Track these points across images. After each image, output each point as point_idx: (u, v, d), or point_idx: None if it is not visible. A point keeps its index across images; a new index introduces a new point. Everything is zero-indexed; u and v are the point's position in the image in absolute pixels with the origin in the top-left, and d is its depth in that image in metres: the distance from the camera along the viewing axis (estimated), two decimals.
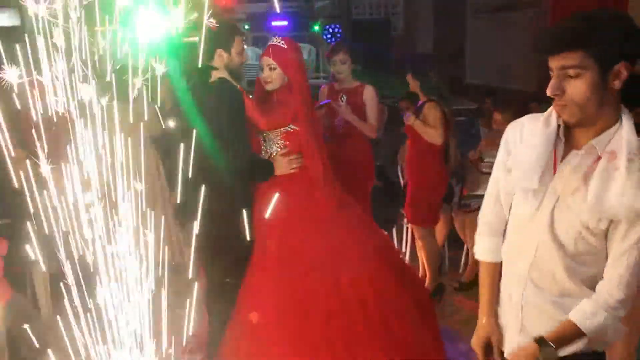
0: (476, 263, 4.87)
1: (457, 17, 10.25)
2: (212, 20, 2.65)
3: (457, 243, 4.66)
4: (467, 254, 4.54)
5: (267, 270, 3.00)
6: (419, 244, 4.34)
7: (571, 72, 1.42)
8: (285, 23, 14.20)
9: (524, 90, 7.28)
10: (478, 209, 4.47)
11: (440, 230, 4.69)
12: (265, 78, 3.09)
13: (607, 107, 1.46)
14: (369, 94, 4.05)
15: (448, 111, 4.12)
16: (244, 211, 2.80)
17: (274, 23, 14.04)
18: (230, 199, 2.87)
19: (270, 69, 3.08)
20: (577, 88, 1.42)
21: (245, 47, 3.19)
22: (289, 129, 3.11)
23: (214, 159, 2.76)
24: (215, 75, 2.96)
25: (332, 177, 3.22)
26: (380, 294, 3.02)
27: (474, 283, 4.42)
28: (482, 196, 5.19)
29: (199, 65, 2.88)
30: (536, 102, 5.20)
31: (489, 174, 5.37)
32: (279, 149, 3.11)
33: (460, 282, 4.43)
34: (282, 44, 3.11)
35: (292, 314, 2.93)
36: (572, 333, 1.52)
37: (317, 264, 2.99)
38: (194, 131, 2.00)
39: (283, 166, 3.07)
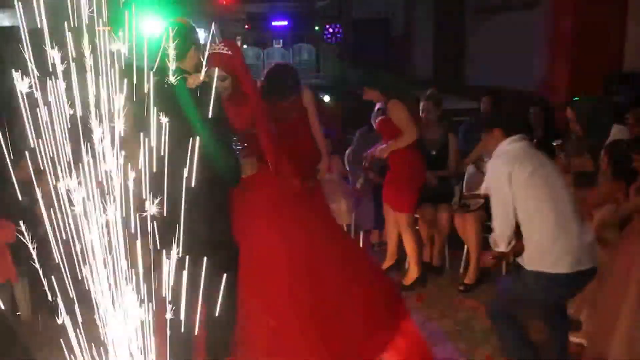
0: (478, 264, 4.85)
1: (457, 17, 10.27)
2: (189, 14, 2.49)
3: (458, 243, 4.66)
4: (468, 254, 4.53)
5: (250, 268, 3.00)
6: (398, 232, 4.46)
7: None
8: (285, 23, 14.23)
9: (523, 91, 7.29)
10: (478, 209, 4.50)
11: (440, 231, 4.70)
12: (220, 92, 2.86)
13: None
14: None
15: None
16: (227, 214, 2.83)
17: (274, 23, 14.07)
18: (216, 204, 2.75)
19: (223, 79, 2.96)
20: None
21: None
22: (248, 132, 3.07)
23: (209, 164, 2.43)
24: (194, 79, 2.64)
25: (294, 172, 3.31)
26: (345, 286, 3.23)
27: (475, 285, 4.41)
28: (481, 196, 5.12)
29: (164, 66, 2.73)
30: (537, 107, 5.12)
31: None
32: (238, 151, 3.02)
33: (464, 284, 4.40)
34: (223, 49, 2.97)
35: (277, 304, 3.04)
36: None
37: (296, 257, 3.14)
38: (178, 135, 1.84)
39: (248, 168, 3.08)
